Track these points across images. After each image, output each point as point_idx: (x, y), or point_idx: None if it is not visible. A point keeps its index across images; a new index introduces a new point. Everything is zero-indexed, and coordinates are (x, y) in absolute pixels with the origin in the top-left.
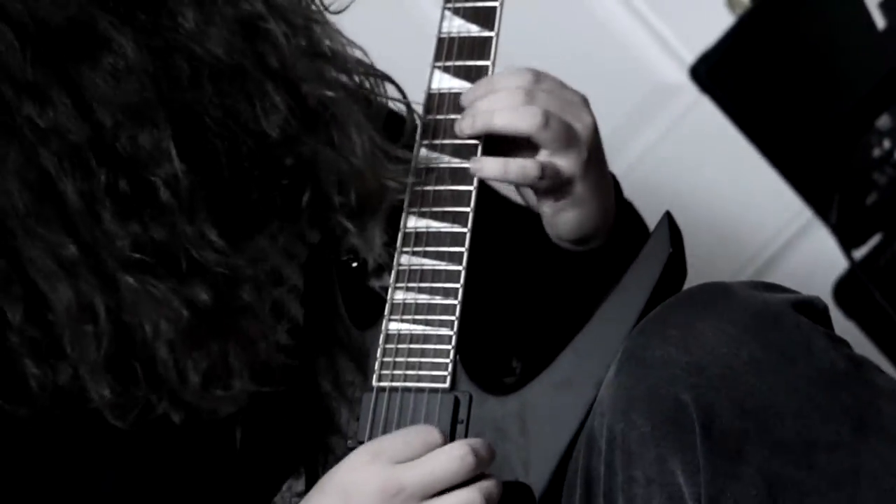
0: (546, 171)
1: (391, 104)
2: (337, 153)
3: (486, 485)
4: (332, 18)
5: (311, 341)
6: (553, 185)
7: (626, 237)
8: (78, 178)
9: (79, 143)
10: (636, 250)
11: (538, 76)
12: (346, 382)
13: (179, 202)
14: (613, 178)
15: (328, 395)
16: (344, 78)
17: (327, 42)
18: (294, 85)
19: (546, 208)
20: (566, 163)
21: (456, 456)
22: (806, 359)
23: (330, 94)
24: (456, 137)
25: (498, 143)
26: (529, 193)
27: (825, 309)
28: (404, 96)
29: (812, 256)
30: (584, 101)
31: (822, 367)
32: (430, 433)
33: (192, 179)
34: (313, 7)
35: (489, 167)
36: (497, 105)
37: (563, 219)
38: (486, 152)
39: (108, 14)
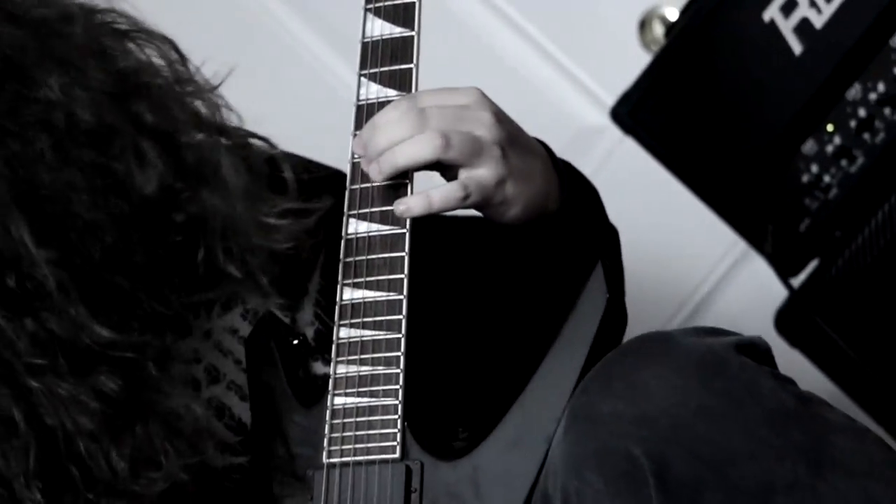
0: (469, 187)
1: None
2: (219, 200)
3: None
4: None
5: (258, 427)
6: (483, 196)
7: (577, 194)
8: None
9: None
10: (591, 204)
11: (415, 96)
12: (298, 462)
13: (62, 290)
14: (541, 143)
15: (278, 477)
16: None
17: (200, 104)
18: (170, 137)
19: (489, 216)
20: (486, 171)
21: None
22: (754, 401)
23: (204, 140)
24: (382, 203)
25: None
26: None
27: (768, 349)
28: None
29: (750, 288)
30: (477, 98)
31: (770, 407)
32: None
33: (67, 265)
34: (192, 75)
35: (414, 205)
36: (394, 137)
37: (509, 215)
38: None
39: None
